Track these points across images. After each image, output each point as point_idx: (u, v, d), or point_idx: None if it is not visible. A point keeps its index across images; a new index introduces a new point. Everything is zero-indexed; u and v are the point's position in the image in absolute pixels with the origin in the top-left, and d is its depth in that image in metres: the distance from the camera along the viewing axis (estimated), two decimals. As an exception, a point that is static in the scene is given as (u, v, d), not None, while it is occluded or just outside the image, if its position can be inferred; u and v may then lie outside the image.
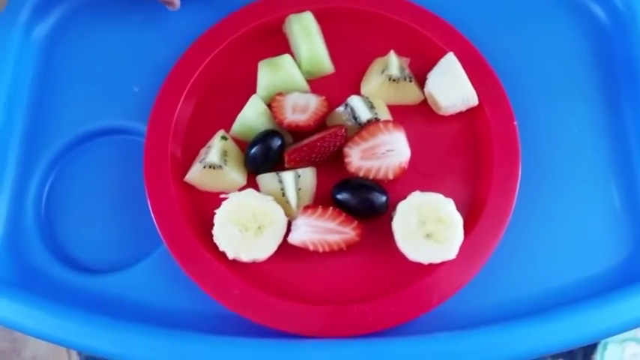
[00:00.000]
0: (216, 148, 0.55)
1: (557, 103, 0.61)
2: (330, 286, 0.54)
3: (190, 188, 0.57)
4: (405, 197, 0.54)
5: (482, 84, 0.58)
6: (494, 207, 0.55)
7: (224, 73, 0.62)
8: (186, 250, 0.53)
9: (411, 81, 0.58)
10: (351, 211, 0.54)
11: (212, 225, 0.53)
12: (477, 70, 0.59)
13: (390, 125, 0.54)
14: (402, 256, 0.54)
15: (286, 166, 0.56)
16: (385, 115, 0.57)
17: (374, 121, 0.55)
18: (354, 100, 0.57)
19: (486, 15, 0.65)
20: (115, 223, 0.57)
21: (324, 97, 0.58)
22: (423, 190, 0.54)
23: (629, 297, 0.52)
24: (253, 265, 0.54)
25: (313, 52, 0.59)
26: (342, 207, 0.54)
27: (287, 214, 0.54)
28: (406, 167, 0.55)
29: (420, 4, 0.63)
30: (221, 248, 0.53)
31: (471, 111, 0.59)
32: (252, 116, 0.57)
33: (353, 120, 0.56)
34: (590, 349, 0.89)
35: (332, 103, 0.58)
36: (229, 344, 0.50)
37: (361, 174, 0.55)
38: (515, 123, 0.58)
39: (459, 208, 0.53)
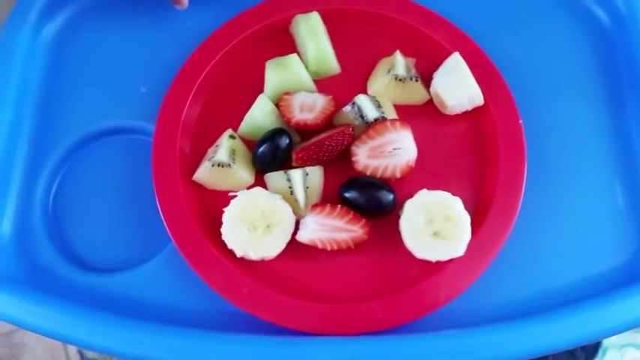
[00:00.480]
0: (224, 146, 0.55)
1: (561, 103, 0.62)
2: (338, 284, 0.54)
3: (198, 187, 0.57)
4: (411, 196, 0.54)
5: (487, 84, 0.59)
6: (500, 205, 0.55)
7: (231, 73, 0.62)
8: (195, 248, 0.54)
9: (417, 80, 0.59)
10: (358, 210, 0.54)
11: (220, 223, 0.53)
12: (482, 70, 0.60)
13: (397, 124, 0.55)
14: (409, 255, 0.54)
15: (294, 164, 0.56)
16: (392, 114, 0.58)
17: (381, 120, 0.56)
18: (361, 99, 0.57)
19: (491, 16, 0.65)
20: (123, 222, 0.58)
21: (331, 97, 0.58)
22: (429, 188, 0.54)
23: (634, 295, 0.52)
24: (261, 263, 0.54)
25: (320, 52, 0.59)
26: (349, 205, 0.54)
27: (295, 212, 0.54)
28: (413, 166, 0.55)
29: (425, 5, 0.63)
30: (229, 246, 0.53)
31: (476, 110, 0.59)
32: (260, 115, 0.57)
33: (360, 119, 0.57)
34: (592, 353, 0.90)
35: (338, 103, 0.59)
36: (237, 342, 0.50)
37: (368, 172, 0.55)
38: (520, 122, 0.58)
39: (465, 207, 0.53)
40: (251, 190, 0.54)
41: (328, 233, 0.53)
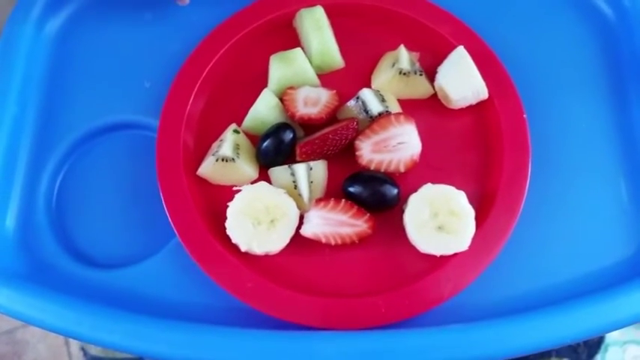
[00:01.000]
0: (228, 141, 0.55)
1: (565, 98, 0.62)
2: (341, 278, 0.54)
3: (202, 182, 0.57)
4: (415, 190, 0.54)
5: (491, 78, 0.59)
6: (504, 200, 0.55)
7: (235, 68, 0.62)
8: (199, 243, 0.54)
9: (421, 74, 0.59)
10: (362, 204, 0.54)
11: (224, 218, 0.53)
12: (486, 64, 0.59)
13: (402, 118, 0.55)
14: (413, 249, 0.54)
15: (298, 159, 0.56)
16: (396, 108, 0.58)
17: (385, 114, 0.56)
18: (366, 93, 0.57)
19: (495, 11, 0.65)
20: (126, 217, 0.58)
21: (334, 91, 0.58)
22: (433, 183, 0.54)
23: (638, 290, 0.52)
24: (265, 258, 0.54)
25: (324, 46, 0.59)
26: (353, 200, 0.54)
27: (299, 207, 0.54)
28: (417, 160, 0.55)
29: (429, 0, 0.63)
30: (234, 241, 0.53)
31: (480, 105, 0.59)
32: (264, 110, 0.57)
33: (364, 113, 0.57)
34: (594, 349, 0.90)
35: (342, 98, 0.59)
36: (241, 336, 0.50)
37: (372, 167, 0.55)
38: (524, 116, 0.58)
39: (469, 201, 0.53)
40: (255, 184, 0.54)
41: (332, 228, 0.53)
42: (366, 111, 0.57)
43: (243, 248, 0.53)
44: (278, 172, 0.56)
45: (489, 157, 0.58)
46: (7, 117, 0.59)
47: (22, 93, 0.60)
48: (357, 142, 0.55)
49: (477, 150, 0.59)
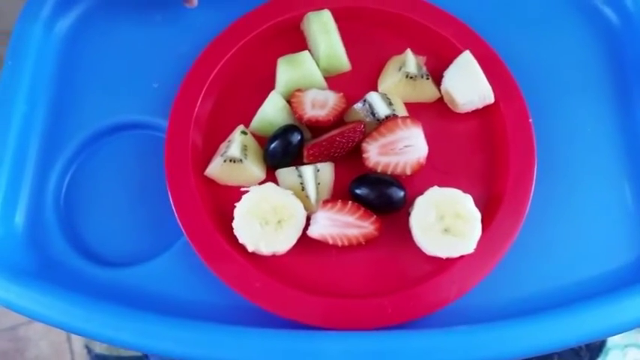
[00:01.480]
0: (236, 142, 0.56)
1: (571, 102, 0.62)
2: (348, 279, 0.55)
3: (210, 182, 0.58)
4: (421, 193, 0.54)
5: (497, 82, 0.59)
6: (510, 203, 0.56)
7: (242, 70, 0.62)
8: (207, 242, 0.54)
9: (428, 78, 0.59)
10: (368, 206, 0.54)
11: (232, 218, 0.54)
12: (491, 68, 0.60)
13: (408, 121, 0.55)
14: (419, 251, 0.55)
15: (305, 161, 0.56)
16: (403, 111, 0.58)
17: (392, 117, 0.56)
18: (373, 97, 0.57)
19: (500, 15, 0.66)
20: (134, 216, 0.58)
21: (342, 94, 0.59)
22: (440, 186, 0.54)
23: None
24: (272, 258, 0.55)
25: (331, 49, 0.60)
26: (360, 202, 0.54)
27: (306, 208, 0.54)
28: (424, 163, 0.56)
29: (435, 4, 0.64)
30: (241, 241, 0.54)
31: (486, 109, 0.60)
32: (272, 111, 0.57)
33: (371, 116, 0.57)
34: (596, 352, 0.90)
35: (349, 101, 0.59)
36: (248, 335, 0.50)
37: (379, 169, 0.56)
38: (530, 120, 0.58)
39: (475, 204, 0.54)
40: (263, 185, 0.55)
41: (339, 229, 0.54)
42: (373, 114, 0.57)
43: (250, 248, 0.53)
44: (285, 174, 0.56)
45: (495, 160, 0.59)
46: (16, 115, 0.59)
47: (31, 92, 0.61)
48: (364, 145, 0.56)
49: (483, 153, 0.59)
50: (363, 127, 0.56)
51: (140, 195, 0.59)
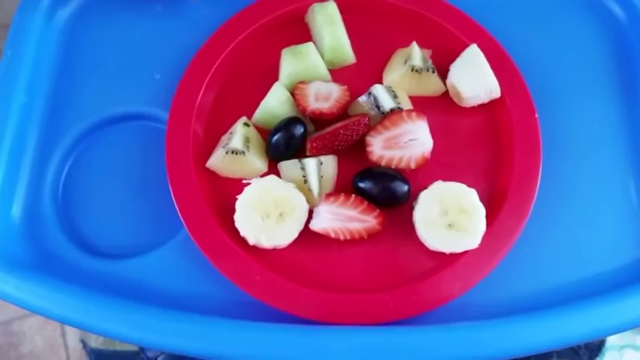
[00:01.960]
0: (238, 134, 0.55)
1: (577, 98, 0.62)
2: (350, 273, 0.54)
3: (211, 174, 0.57)
4: (425, 187, 0.54)
5: (503, 76, 0.59)
6: (515, 198, 0.55)
7: (245, 61, 0.62)
8: (208, 235, 0.53)
9: (433, 72, 0.58)
10: (372, 200, 0.54)
11: (233, 210, 0.53)
12: (498, 62, 0.59)
13: (414, 114, 0.54)
14: (422, 246, 0.54)
15: (308, 153, 0.56)
16: (407, 105, 0.57)
17: (397, 111, 0.55)
18: (378, 89, 0.57)
19: (507, 10, 0.65)
20: (133, 208, 0.57)
21: (346, 87, 0.58)
22: (444, 180, 0.54)
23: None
24: (273, 252, 0.54)
25: (336, 41, 0.59)
26: (363, 195, 0.54)
27: (308, 201, 0.54)
28: (429, 157, 0.55)
29: (441, -3, 0.63)
30: (242, 234, 0.53)
31: (492, 103, 0.59)
32: (275, 104, 0.57)
33: (376, 109, 0.56)
34: (595, 352, 0.89)
35: (352, 94, 0.58)
36: (248, 328, 0.50)
37: (383, 163, 0.55)
38: (536, 116, 0.58)
39: (480, 199, 0.53)
40: (265, 177, 0.54)
41: (342, 223, 0.53)
42: (378, 107, 0.56)
43: (251, 242, 0.53)
44: (288, 166, 0.55)
45: (500, 155, 0.58)
46: (15, 105, 0.58)
47: (30, 82, 0.60)
48: (368, 138, 0.55)
49: (488, 148, 0.59)
50: (368, 120, 0.55)
51: (139, 187, 0.58)
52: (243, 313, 0.53)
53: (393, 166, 0.55)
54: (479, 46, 0.59)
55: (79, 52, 0.63)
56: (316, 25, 0.60)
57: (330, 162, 0.55)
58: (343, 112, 0.57)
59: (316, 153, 0.55)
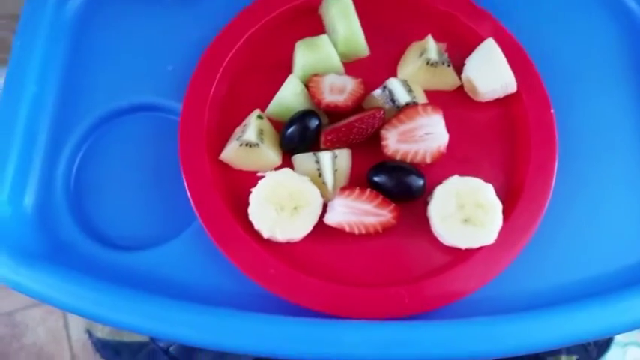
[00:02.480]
0: (252, 126, 0.54)
1: (593, 94, 0.61)
2: (365, 267, 0.54)
3: (224, 167, 0.56)
4: (440, 182, 0.53)
5: (519, 71, 0.58)
6: (531, 194, 0.55)
7: (258, 53, 0.61)
8: (222, 227, 0.53)
9: (449, 65, 0.58)
10: (387, 194, 0.53)
11: (246, 202, 0.53)
12: (513, 57, 0.59)
13: (429, 108, 0.54)
14: (436, 241, 0.54)
15: (322, 146, 0.55)
16: (423, 99, 0.57)
17: (412, 104, 0.55)
18: (393, 83, 0.56)
19: (523, 4, 0.65)
20: (146, 199, 0.57)
21: (360, 79, 0.57)
22: (460, 175, 0.53)
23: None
24: (288, 245, 0.54)
25: (351, 33, 0.59)
26: (378, 190, 0.53)
27: (322, 195, 0.53)
28: (444, 151, 0.55)
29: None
30: (256, 227, 0.52)
31: (507, 98, 0.59)
32: (289, 96, 0.56)
33: (391, 102, 0.56)
34: (604, 347, 0.89)
35: (366, 87, 0.58)
36: (262, 321, 0.49)
37: (398, 157, 0.55)
38: (552, 111, 0.57)
39: (495, 194, 0.53)
40: (279, 170, 0.53)
41: (357, 217, 0.52)
42: (393, 100, 0.56)
43: (265, 235, 0.52)
44: (302, 159, 0.55)
45: (516, 150, 0.58)
46: (26, 95, 0.57)
47: (42, 72, 0.59)
48: (383, 132, 0.54)
49: (503, 143, 0.58)
50: (383, 114, 0.55)
51: (152, 177, 0.57)
52: (257, 305, 0.52)
53: (409, 161, 0.55)
54: (494, 39, 0.59)
55: (92, 42, 0.62)
56: (330, 17, 0.60)
57: (344, 155, 0.55)
58: (358, 106, 0.57)
59: (330, 146, 0.55)
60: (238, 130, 0.56)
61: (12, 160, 0.55)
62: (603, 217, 0.57)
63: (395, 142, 0.54)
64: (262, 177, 0.53)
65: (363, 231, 0.53)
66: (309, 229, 0.53)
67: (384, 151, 0.55)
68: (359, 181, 0.55)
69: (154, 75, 0.60)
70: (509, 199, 0.55)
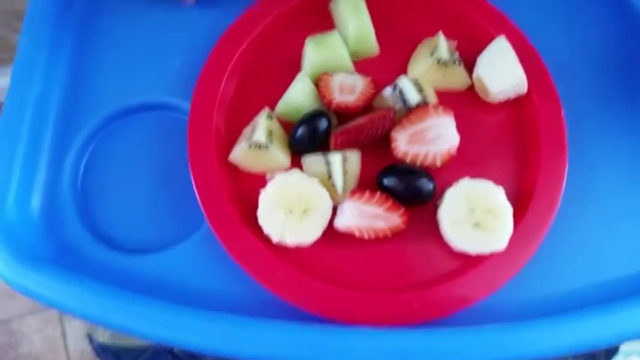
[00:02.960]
0: (262, 127, 0.54)
1: (604, 98, 0.60)
2: (374, 272, 0.53)
3: (233, 168, 0.56)
4: (450, 185, 0.53)
5: (530, 72, 0.57)
6: (541, 199, 0.54)
7: (267, 50, 0.60)
8: (231, 232, 0.52)
9: (460, 65, 0.57)
10: (396, 198, 0.52)
11: (255, 206, 0.52)
12: (524, 57, 0.57)
13: (440, 109, 0.53)
14: (446, 246, 0.53)
15: (332, 148, 0.54)
16: (433, 99, 0.56)
17: (423, 105, 0.54)
18: (404, 82, 0.55)
19: (534, 4, 0.64)
20: (154, 202, 0.56)
21: (370, 79, 0.57)
22: (470, 178, 0.53)
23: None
24: (297, 250, 0.53)
25: (362, 30, 0.58)
26: (387, 193, 0.53)
27: (331, 197, 0.53)
28: (454, 154, 0.54)
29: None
30: (266, 232, 0.52)
31: (517, 100, 0.58)
32: (299, 96, 0.55)
33: (401, 102, 0.55)
34: (612, 353, 0.89)
35: (376, 86, 0.57)
36: (271, 327, 0.49)
37: (408, 160, 0.54)
38: (563, 114, 0.57)
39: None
40: (288, 172, 0.53)
41: (366, 221, 0.52)
42: (404, 101, 0.55)
43: (275, 239, 0.52)
44: (312, 161, 0.54)
45: (526, 154, 0.57)
46: (32, 95, 0.56)
47: (48, 71, 0.58)
48: (394, 134, 0.54)
49: (514, 146, 0.57)
50: (393, 115, 0.54)
51: (160, 179, 0.56)
52: (266, 310, 0.52)
53: (419, 163, 0.54)
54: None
55: (98, 40, 0.61)
56: (340, 14, 0.59)
57: (354, 157, 0.54)
58: (368, 106, 0.56)
59: (340, 148, 0.54)
60: (247, 130, 0.56)
61: (18, 162, 0.54)
62: (615, 222, 0.56)
63: (405, 144, 0.54)
64: (271, 178, 0.52)
65: (373, 236, 0.52)
66: (320, 232, 0.52)
67: (393, 152, 0.54)
68: (368, 183, 0.55)
69: (162, 73, 0.59)
70: (520, 202, 0.54)
